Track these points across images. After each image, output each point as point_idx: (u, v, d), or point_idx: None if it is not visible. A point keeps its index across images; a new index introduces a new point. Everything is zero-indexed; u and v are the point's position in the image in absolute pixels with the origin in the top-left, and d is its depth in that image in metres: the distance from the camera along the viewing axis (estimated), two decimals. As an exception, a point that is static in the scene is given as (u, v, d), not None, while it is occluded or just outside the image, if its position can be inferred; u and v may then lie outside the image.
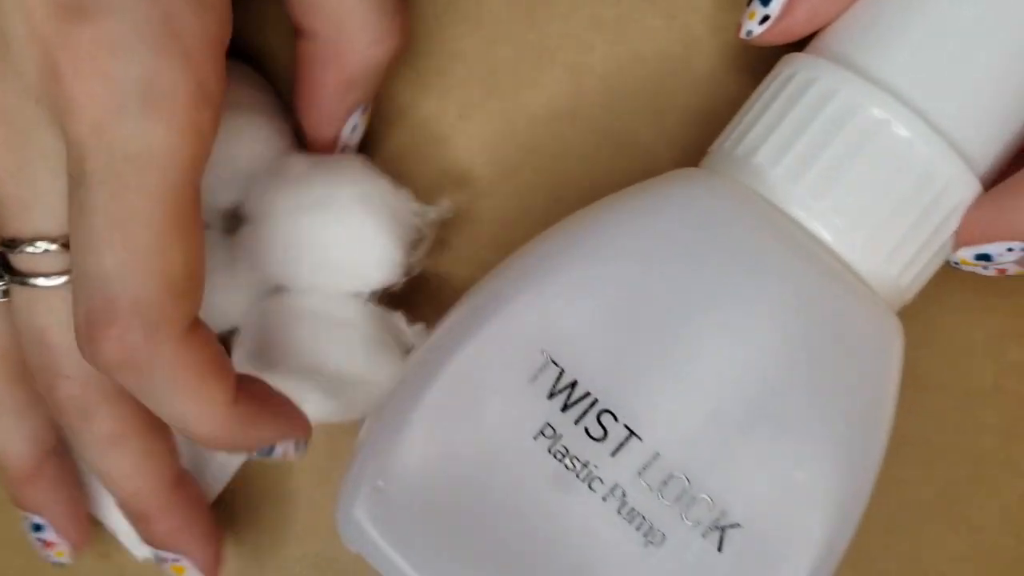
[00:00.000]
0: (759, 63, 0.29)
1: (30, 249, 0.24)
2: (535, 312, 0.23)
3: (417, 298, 0.29)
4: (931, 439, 0.30)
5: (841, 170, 0.23)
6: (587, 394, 0.22)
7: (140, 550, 0.31)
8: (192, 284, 0.23)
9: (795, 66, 0.24)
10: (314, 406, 0.27)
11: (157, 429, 0.26)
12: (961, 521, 0.30)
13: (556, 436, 0.23)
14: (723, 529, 0.22)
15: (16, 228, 0.24)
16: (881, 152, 0.23)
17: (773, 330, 0.22)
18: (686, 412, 0.22)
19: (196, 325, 0.23)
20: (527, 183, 0.30)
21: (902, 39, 0.23)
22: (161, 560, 0.28)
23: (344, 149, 0.28)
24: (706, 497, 0.22)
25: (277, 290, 0.28)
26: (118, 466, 0.26)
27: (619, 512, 0.22)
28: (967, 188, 0.23)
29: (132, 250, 0.22)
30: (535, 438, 0.23)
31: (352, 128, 0.28)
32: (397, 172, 0.29)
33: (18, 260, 0.24)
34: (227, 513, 0.31)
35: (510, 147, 0.30)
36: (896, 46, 0.23)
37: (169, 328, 0.22)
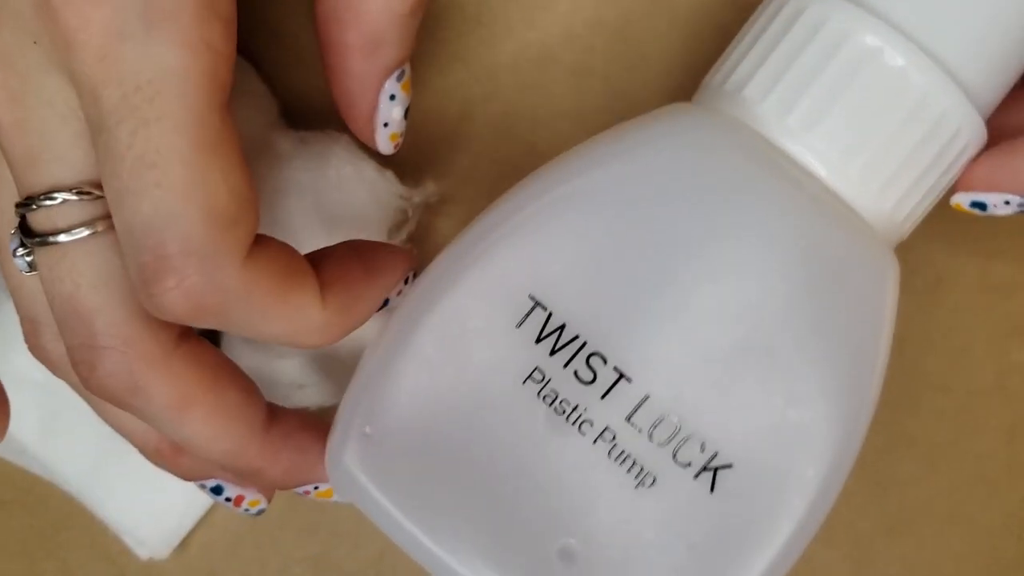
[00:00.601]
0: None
1: (47, 202, 0.22)
2: (521, 256, 0.23)
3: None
4: (933, 439, 0.30)
5: (833, 100, 0.22)
6: (575, 337, 0.22)
7: (142, 550, 0.31)
8: (243, 208, 0.21)
9: None
10: (313, 389, 0.27)
11: (224, 375, 0.24)
12: (963, 521, 0.30)
13: (545, 380, 0.22)
14: (715, 470, 0.22)
15: (29, 183, 0.22)
16: (874, 81, 0.22)
17: (764, 266, 0.22)
18: (676, 353, 0.22)
19: (259, 242, 0.22)
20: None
21: None
22: (301, 494, 0.26)
23: (388, 127, 0.26)
24: (697, 438, 0.22)
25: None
26: (196, 433, 0.23)
27: (610, 455, 0.22)
28: (964, 118, 0.23)
29: (168, 189, 0.20)
30: (524, 382, 0.22)
31: (390, 97, 0.25)
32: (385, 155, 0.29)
33: (36, 219, 0.22)
34: (227, 513, 0.31)
35: (510, 147, 0.30)
36: None
37: (229, 260, 0.21)
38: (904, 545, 0.30)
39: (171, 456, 0.25)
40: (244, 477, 0.25)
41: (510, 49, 0.30)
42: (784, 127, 0.22)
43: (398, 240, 0.28)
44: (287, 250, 0.22)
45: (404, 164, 0.29)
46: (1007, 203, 0.24)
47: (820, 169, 0.22)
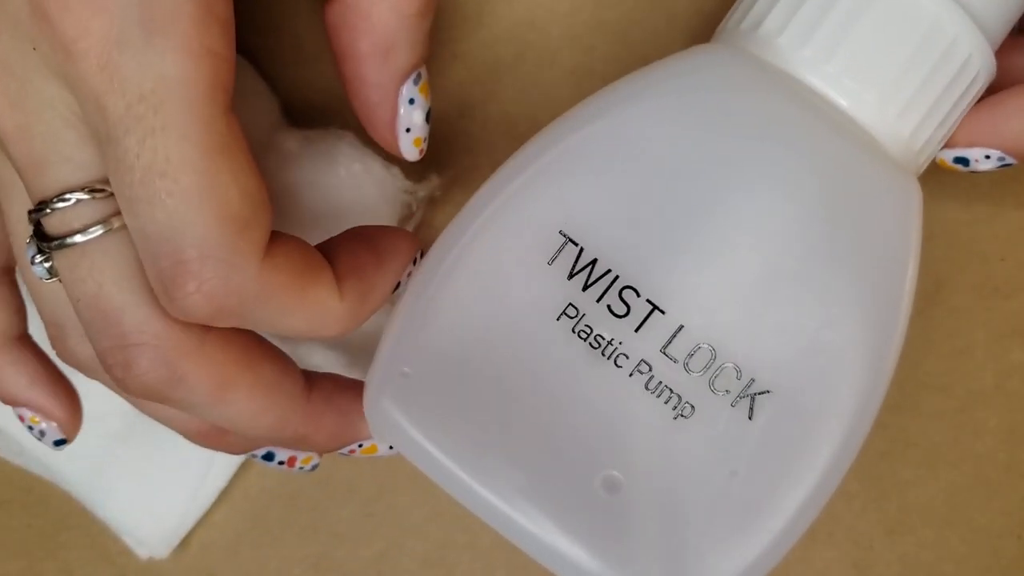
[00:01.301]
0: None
1: (60, 204, 0.22)
2: (551, 193, 0.23)
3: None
4: (932, 440, 0.30)
5: (848, 30, 0.22)
6: (608, 271, 0.22)
7: (142, 549, 0.31)
8: (256, 209, 0.21)
9: None
10: (333, 371, 0.27)
11: (257, 351, 0.24)
12: (962, 522, 0.30)
13: (579, 315, 0.22)
14: (753, 397, 0.22)
15: (40, 187, 0.22)
16: (888, 10, 0.22)
17: (791, 195, 0.22)
18: (708, 282, 0.22)
19: (274, 241, 0.22)
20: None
21: None
22: (346, 454, 0.26)
23: (410, 132, 0.26)
24: (733, 366, 0.22)
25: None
26: (239, 413, 0.23)
27: (647, 387, 0.22)
28: (975, 47, 0.23)
29: (181, 197, 0.20)
30: (558, 319, 0.22)
31: (410, 102, 0.25)
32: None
33: (51, 224, 0.22)
34: (227, 513, 0.31)
35: (510, 147, 0.30)
36: None
37: (246, 263, 0.21)
38: (904, 545, 0.30)
39: (217, 437, 0.26)
40: (291, 445, 0.26)
41: (510, 49, 0.30)
42: (802, 59, 0.23)
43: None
44: (302, 246, 0.23)
45: (404, 162, 0.29)
46: (987, 157, 0.25)
47: (839, 98, 0.23)
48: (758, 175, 0.22)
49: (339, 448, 0.26)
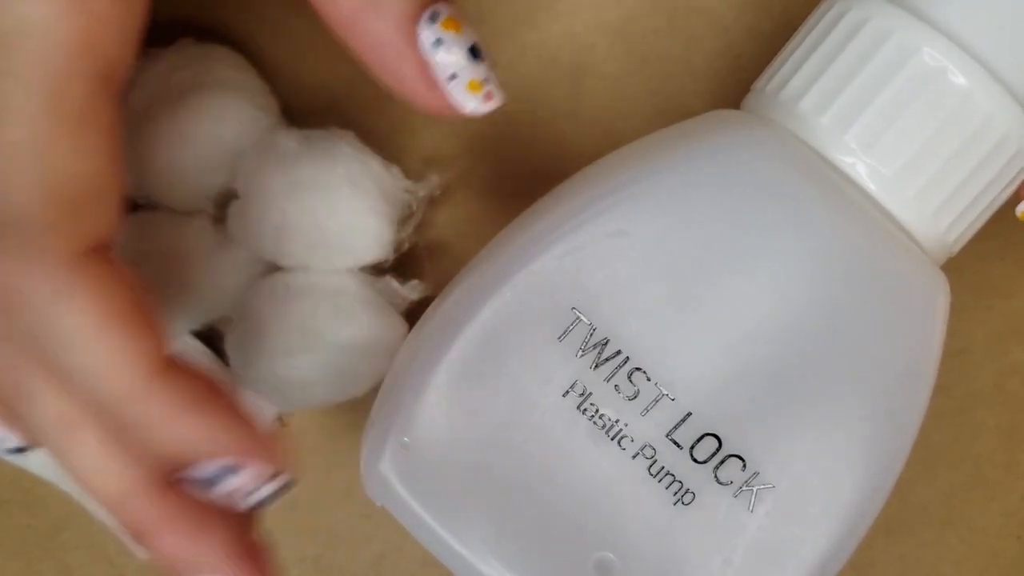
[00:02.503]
0: (760, 63, 0.29)
1: None
2: (565, 267, 0.22)
3: (406, 273, 0.29)
4: (932, 440, 0.30)
5: (892, 119, 0.22)
6: (618, 352, 0.22)
7: (141, 551, 0.31)
8: (91, 200, 0.18)
9: (846, 3, 0.23)
10: (324, 387, 0.27)
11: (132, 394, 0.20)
12: (962, 522, 0.30)
13: (586, 393, 0.22)
14: (755, 490, 0.22)
15: None
16: (936, 101, 0.22)
17: (812, 289, 0.22)
18: (719, 371, 0.22)
19: (102, 255, 0.19)
20: (527, 183, 0.30)
21: None
22: None
23: (457, 77, 0.21)
24: (738, 457, 0.22)
25: (267, 273, 0.28)
26: (83, 460, 0.20)
27: (649, 471, 0.22)
28: (1013, 124, 0.22)
29: (5, 145, 0.18)
30: (564, 395, 0.22)
31: (435, 44, 0.21)
32: (388, 149, 0.29)
33: None
34: (226, 514, 0.31)
35: (510, 147, 0.30)
36: None
37: (55, 246, 0.18)
38: (903, 546, 0.30)
39: None
40: (130, 533, 0.22)
41: (510, 49, 0.30)
42: (841, 144, 0.22)
43: (405, 233, 0.28)
44: (140, 288, 0.19)
45: (405, 160, 0.29)
46: None
47: (875, 188, 0.22)
48: (779, 267, 0.22)
49: (180, 567, 0.21)
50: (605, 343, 0.22)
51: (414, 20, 0.21)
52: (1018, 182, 0.23)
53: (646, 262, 0.22)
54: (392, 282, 0.28)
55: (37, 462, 0.31)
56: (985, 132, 0.22)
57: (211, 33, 0.29)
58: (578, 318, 0.22)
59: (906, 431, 0.23)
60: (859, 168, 0.22)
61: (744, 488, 0.22)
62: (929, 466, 0.30)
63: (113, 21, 0.19)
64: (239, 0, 0.30)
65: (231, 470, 0.20)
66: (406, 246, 0.29)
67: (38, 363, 0.19)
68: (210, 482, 0.19)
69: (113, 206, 0.19)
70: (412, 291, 0.28)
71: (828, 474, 0.22)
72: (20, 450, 0.23)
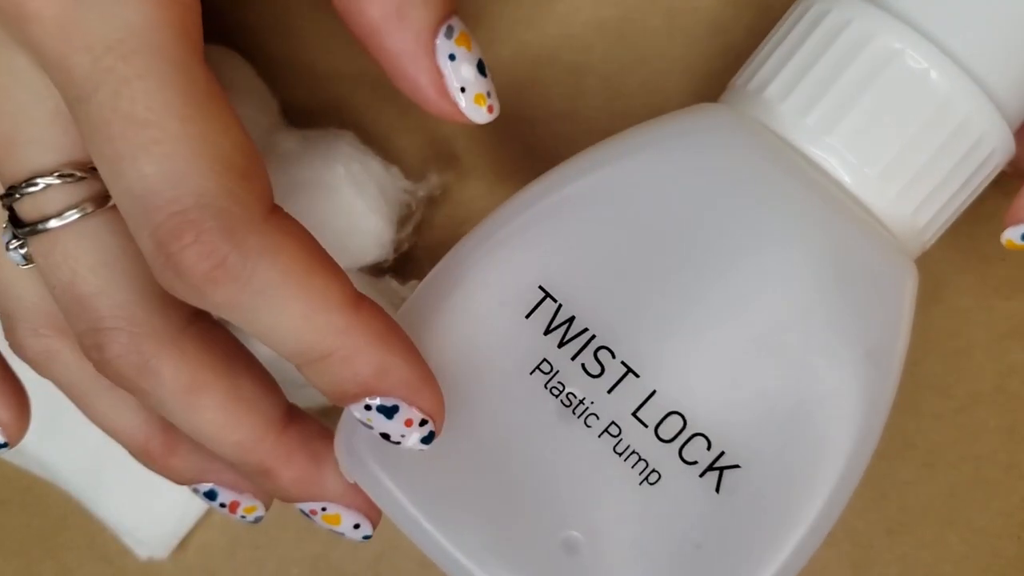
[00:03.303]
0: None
1: (30, 190, 0.21)
2: (533, 247, 0.22)
3: (406, 273, 0.29)
4: (932, 440, 0.30)
5: (853, 103, 0.22)
6: (585, 330, 0.22)
7: (141, 550, 0.31)
8: (250, 160, 0.20)
9: (826, 3, 0.23)
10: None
11: (239, 361, 0.22)
12: (962, 523, 0.29)
13: (553, 372, 0.22)
14: (721, 470, 0.22)
15: (9, 171, 0.21)
16: (896, 84, 0.22)
17: (779, 268, 0.22)
18: (686, 350, 0.22)
19: (278, 210, 0.20)
20: (526, 183, 0.30)
21: None
22: (307, 515, 0.24)
23: (467, 90, 0.23)
24: (703, 436, 0.22)
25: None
26: (207, 421, 0.22)
27: (615, 449, 0.22)
28: (989, 125, 0.22)
29: (170, 145, 0.19)
30: (531, 373, 0.22)
31: (450, 58, 0.23)
32: (388, 149, 0.29)
33: (23, 209, 0.21)
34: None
35: (510, 148, 0.30)
36: None
37: (249, 213, 0.19)
38: (904, 546, 0.30)
39: (161, 456, 0.24)
40: (252, 477, 0.24)
41: (509, 49, 0.30)
42: (803, 127, 0.22)
43: (404, 233, 0.28)
44: (313, 238, 0.21)
45: (405, 161, 0.29)
46: None
47: (838, 171, 0.22)
48: (746, 245, 0.22)
49: (301, 498, 0.24)
50: (571, 320, 0.22)
51: (433, 33, 0.22)
52: (987, 171, 0.23)
53: (613, 242, 0.22)
54: (392, 282, 0.28)
55: (36, 462, 0.31)
56: (945, 114, 0.22)
57: (211, 33, 0.29)
58: (545, 296, 0.22)
59: (876, 411, 0.22)
60: (822, 152, 0.22)
61: (710, 468, 0.22)
62: (930, 466, 0.30)
63: (193, 5, 0.20)
64: (239, 0, 0.30)
65: (403, 405, 0.21)
66: (406, 246, 0.29)
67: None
68: (384, 414, 0.21)
69: (263, 167, 0.20)
70: (412, 291, 0.28)
71: (798, 457, 0.22)
72: (2, 446, 0.25)
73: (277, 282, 0.20)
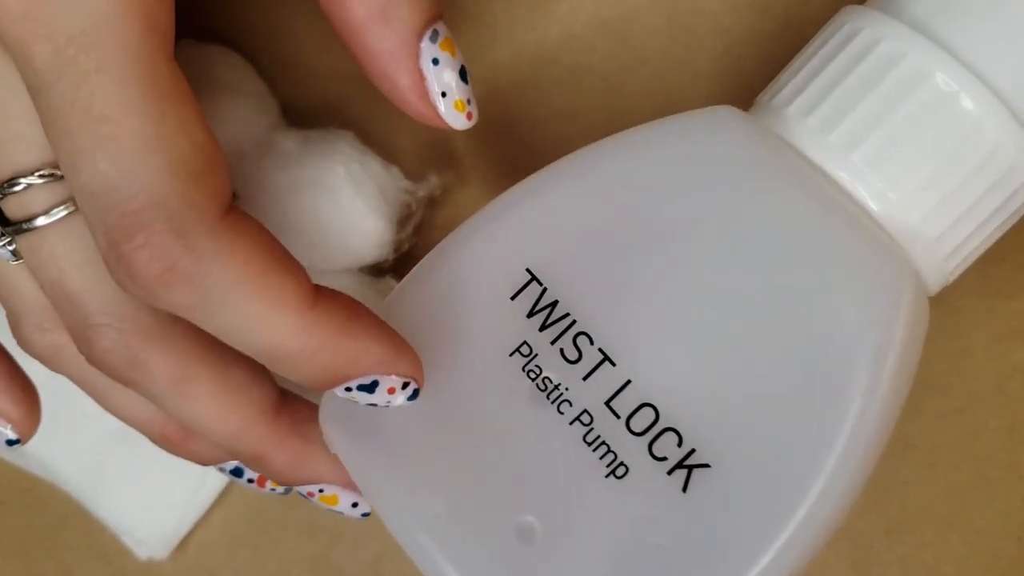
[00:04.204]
0: (760, 64, 0.29)
1: (13, 189, 0.21)
2: (522, 230, 0.22)
3: (406, 274, 0.29)
4: (933, 441, 0.30)
5: (900, 143, 0.21)
6: (566, 315, 0.22)
7: (141, 550, 0.31)
8: (209, 160, 0.19)
9: (859, 22, 0.22)
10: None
11: (231, 354, 0.22)
12: (963, 523, 0.29)
13: (531, 355, 0.22)
14: (690, 468, 0.21)
15: None
16: (946, 127, 0.21)
17: (768, 264, 0.21)
18: (665, 342, 0.21)
19: (235, 211, 0.20)
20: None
21: (980, 3, 0.22)
22: (305, 496, 0.24)
23: (447, 95, 0.23)
24: (674, 431, 0.21)
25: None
26: (200, 411, 0.22)
27: (584, 439, 0.21)
28: (1020, 153, 0.21)
29: (125, 141, 0.18)
30: (511, 355, 0.22)
31: (434, 63, 0.22)
32: (388, 149, 0.29)
33: (9, 207, 0.21)
34: (226, 514, 0.31)
35: (510, 148, 0.30)
36: (974, 13, 0.22)
37: (201, 215, 0.19)
38: (904, 546, 0.30)
39: (179, 442, 0.25)
40: (247, 462, 0.24)
41: (509, 49, 0.30)
42: (846, 163, 0.22)
43: (404, 234, 0.28)
44: (273, 236, 0.20)
45: (405, 161, 0.29)
46: None
47: (872, 203, 0.22)
48: (734, 241, 0.21)
49: (296, 481, 0.24)
50: (554, 305, 0.22)
51: (418, 36, 0.22)
52: (1018, 216, 0.23)
53: (603, 230, 0.22)
54: (392, 283, 0.28)
55: (36, 462, 0.31)
56: (992, 161, 0.21)
57: (211, 33, 0.29)
58: (532, 279, 0.22)
59: (872, 417, 0.21)
60: (861, 186, 0.22)
61: (679, 466, 0.21)
62: (930, 466, 0.30)
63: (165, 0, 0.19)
64: (239, 0, 0.30)
65: (382, 378, 0.21)
66: (406, 246, 0.29)
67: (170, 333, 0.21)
68: (365, 391, 0.21)
69: (225, 164, 0.20)
70: None
71: (775, 462, 0.20)
72: (14, 442, 0.25)
73: (230, 285, 0.19)
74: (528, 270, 0.22)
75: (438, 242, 0.30)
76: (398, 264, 0.28)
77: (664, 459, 0.21)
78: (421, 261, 0.24)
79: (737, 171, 0.22)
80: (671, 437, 0.21)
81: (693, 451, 0.21)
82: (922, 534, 0.30)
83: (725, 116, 0.23)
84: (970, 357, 0.29)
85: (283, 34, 0.30)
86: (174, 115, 0.19)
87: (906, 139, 0.21)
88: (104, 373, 0.22)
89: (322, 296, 0.20)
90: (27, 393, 0.25)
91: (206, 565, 0.31)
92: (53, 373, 0.25)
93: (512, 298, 0.22)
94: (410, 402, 0.22)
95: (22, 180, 0.21)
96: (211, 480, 0.31)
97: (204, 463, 0.25)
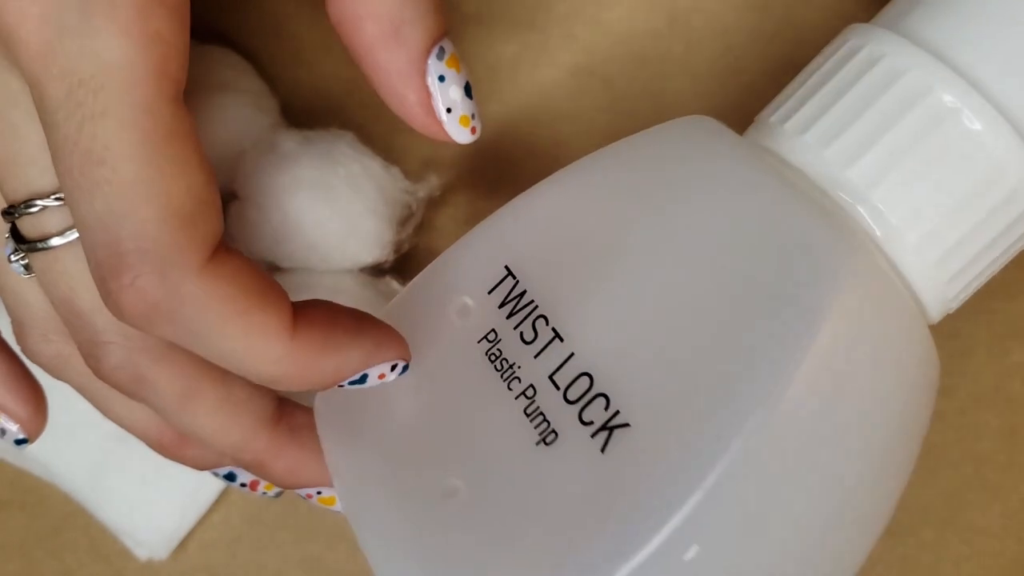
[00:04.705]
0: (759, 63, 0.29)
1: (30, 211, 0.22)
2: (506, 233, 0.24)
3: (406, 274, 0.29)
4: (933, 441, 0.30)
5: (900, 159, 0.21)
6: (531, 302, 0.22)
7: (141, 551, 0.31)
8: (201, 207, 0.20)
9: (862, 38, 0.22)
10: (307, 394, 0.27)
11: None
12: (963, 523, 0.29)
13: (496, 340, 0.23)
14: (612, 430, 0.21)
15: (9, 190, 0.22)
16: (948, 145, 0.21)
17: (723, 254, 0.21)
18: (610, 317, 0.22)
19: (221, 252, 0.21)
20: (527, 184, 0.30)
21: (986, 21, 0.21)
22: (304, 498, 0.26)
23: (452, 111, 0.24)
24: (606, 396, 0.21)
25: (269, 270, 0.28)
26: (203, 424, 0.23)
27: (525, 411, 0.22)
28: None
29: (119, 186, 0.19)
30: (479, 342, 0.23)
31: (440, 79, 0.23)
32: (388, 150, 0.29)
33: (24, 226, 0.22)
34: (225, 514, 0.31)
35: (511, 149, 0.30)
36: (978, 28, 0.21)
37: (186, 261, 0.20)
38: (904, 546, 0.30)
39: (175, 448, 0.25)
40: (248, 469, 0.25)
41: (510, 49, 0.30)
42: (843, 179, 0.21)
43: (404, 234, 0.28)
44: (256, 268, 0.21)
45: (405, 161, 0.29)
46: None
47: (876, 231, 0.21)
48: (692, 235, 0.22)
49: (295, 485, 0.25)
50: (522, 294, 0.23)
51: (426, 54, 0.23)
52: (1021, 243, 0.22)
53: (576, 226, 0.23)
54: (392, 283, 0.28)
55: (37, 463, 0.31)
56: (996, 183, 0.21)
57: (211, 33, 0.29)
58: (508, 274, 0.23)
59: (789, 406, 0.20)
60: (861, 207, 0.21)
61: (602, 428, 0.21)
62: (930, 467, 0.30)
63: (177, 42, 0.20)
64: (239, 1, 0.30)
65: (370, 370, 0.23)
66: (406, 247, 0.29)
67: (170, 354, 0.23)
68: (357, 383, 0.23)
69: (218, 205, 0.21)
70: None
71: (694, 417, 0.20)
72: (23, 442, 0.26)
73: (211, 326, 0.20)
74: (506, 267, 0.23)
75: (438, 242, 0.30)
76: (398, 264, 0.28)
77: (591, 423, 0.21)
78: (426, 267, 0.25)
79: (702, 174, 0.22)
80: (600, 402, 0.21)
81: (617, 413, 0.21)
82: (922, 534, 0.30)
83: (701, 126, 0.23)
84: (970, 357, 0.29)
85: (283, 34, 0.30)
86: (171, 160, 0.20)
87: (906, 156, 0.21)
88: (112, 387, 0.23)
89: (300, 319, 0.21)
90: (34, 393, 0.26)
91: (206, 565, 0.31)
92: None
93: (489, 292, 0.23)
94: (404, 373, 0.23)
95: (39, 202, 0.22)
96: (211, 481, 0.31)
97: (200, 468, 0.26)
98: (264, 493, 0.27)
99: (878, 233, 0.21)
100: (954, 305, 0.23)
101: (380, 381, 0.23)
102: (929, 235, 0.21)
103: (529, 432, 0.22)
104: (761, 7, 0.29)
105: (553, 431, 0.21)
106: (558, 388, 0.22)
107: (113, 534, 0.31)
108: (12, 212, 0.22)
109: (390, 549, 0.23)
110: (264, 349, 0.21)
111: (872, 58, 0.22)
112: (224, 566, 0.31)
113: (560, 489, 0.21)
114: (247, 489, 0.26)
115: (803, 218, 0.21)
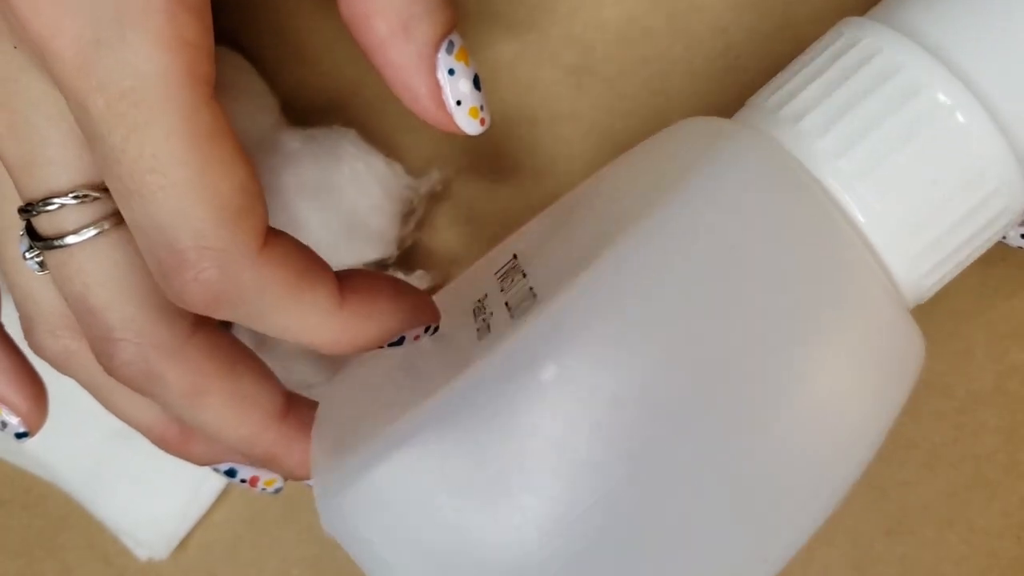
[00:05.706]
0: (759, 63, 0.29)
1: (47, 209, 0.22)
2: (525, 229, 0.26)
3: (408, 268, 0.29)
4: (932, 441, 0.30)
5: (890, 153, 0.21)
6: (517, 265, 0.24)
7: (141, 550, 0.31)
8: (249, 199, 0.21)
9: (859, 32, 0.23)
10: (321, 390, 0.27)
11: (240, 363, 0.24)
12: (962, 523, 0.29)
13: (484, 298, 0.24)
14: (526, 308, 0.22)
15: (28, 188, 0.23)
16: (937, 141, 0.21)
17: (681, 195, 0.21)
18: (560, 246, 0.23)
19: (271, 237, 0.22)
20: (527, 184, 0.30)
21: (985, 21, 0.22)
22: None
23: (462, 104, 0.24)
24: (530, 288, 0.22)
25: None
26: (213, 419, 0.24)
27: (477, 331, 0.23)
28: (1013, 195, 0.22)
29: (172, 191, 0.20)
30: (472, 307, 0.24)
31: (450, 73, 0.24)
32: (390, 146, 0.29)
33: (41, 224, 0.23)
34: (226, 515, 0.31)
35: (511, 146, 0.30)
36: (975, 28, 0.22)
37: (243, 252, 0.21)
38: (904, 546, 0.30)
39: (177, 443, 0.26)
40: (260, 464, 0.26)
41: (510, 49, 0.30)
42: (834, 168, 0.22)
43: (407, 229, 0.28)
44: (303, 247, 0.23)
45: (408, 158, 0.29)
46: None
47: (859, 215, 0.22)
48: (655, 179, 0.23)
49: (307, 477, 0.26)
50: (516, 265, 0.24)
51: (436, 48, 0.24)
52: (996, 237, 0.23)
53: (561, 213, 0.24)
54: (395, 275, 0.28)
55: (37, 462, 0.31)
56: (980, 182, 0.22)
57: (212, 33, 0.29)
58: (513, 257, 0.24)
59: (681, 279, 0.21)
60: (847, 194, 0.22)
61: (519, 307, 0.22)
62: (930, 466, 0.30)
63: (205, 44, 0.21)
64: (239, 1, 0.30)
65: (407, 333, 0.24)
66: (409, 242, 0.29)
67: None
68: (395, 345, 0.24)
69: (262, 194, 0.22)
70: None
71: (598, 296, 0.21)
72: (23, 435, 0.26)
73: (269, 306, 0.22)
74: (514, 255, 0.25)
75: (440, 238, 0.30)
76: (402, 260, 0.28)
77: (516, 307, 0.22)
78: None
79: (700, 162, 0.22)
80: (527, 293, 0.22)
81: (535, 295, 0.22)
82: (922, 533, 0.30)
83: (703, 123, 0.24)
84: (970, 357, 0.29)
85: (285, 33, 0.30)
86: (217, 159, 0.21)
87: (894, 148, 0.22)
88: (122, 383, 0.23)
89: (346, 289, 0.23)
90: (35, 387, 0.26)
91: (206, 565, 0.31)
92: (54, 375, 0.25)
93: (495, 273, 0.24)
94: (435, 334, 0.25)
95: (56, 200, 0.22)
96: (211, 480, 0.31)
97: (201, 464, 0.26)
98: (264, 490, 0.27)
99: (861, 218, 0.22)
100: (927, 295, 0.23)
101: (416, 343, 0.24)
102: (910, 230, 0.22)
103: (472, 338, 0.23)
104: (761, 7, 0.29)
105: (488, 326, 0.23)
106: (508, 307, 0.23)
107: (113, 534, 0.31)
108: (30, 210, 0.22)
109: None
110: (317, 321, 0.22)
111: (869, 52, 0.22)
112: (224, 566, 0.31)
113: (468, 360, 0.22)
114: (247, 485, 0.27)
115: (777, 192, 0.22)
